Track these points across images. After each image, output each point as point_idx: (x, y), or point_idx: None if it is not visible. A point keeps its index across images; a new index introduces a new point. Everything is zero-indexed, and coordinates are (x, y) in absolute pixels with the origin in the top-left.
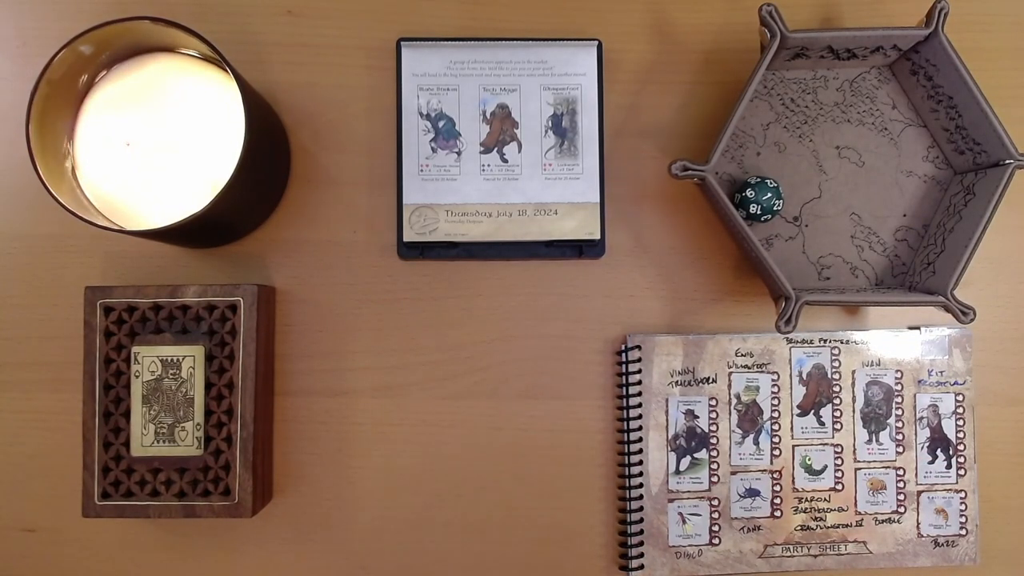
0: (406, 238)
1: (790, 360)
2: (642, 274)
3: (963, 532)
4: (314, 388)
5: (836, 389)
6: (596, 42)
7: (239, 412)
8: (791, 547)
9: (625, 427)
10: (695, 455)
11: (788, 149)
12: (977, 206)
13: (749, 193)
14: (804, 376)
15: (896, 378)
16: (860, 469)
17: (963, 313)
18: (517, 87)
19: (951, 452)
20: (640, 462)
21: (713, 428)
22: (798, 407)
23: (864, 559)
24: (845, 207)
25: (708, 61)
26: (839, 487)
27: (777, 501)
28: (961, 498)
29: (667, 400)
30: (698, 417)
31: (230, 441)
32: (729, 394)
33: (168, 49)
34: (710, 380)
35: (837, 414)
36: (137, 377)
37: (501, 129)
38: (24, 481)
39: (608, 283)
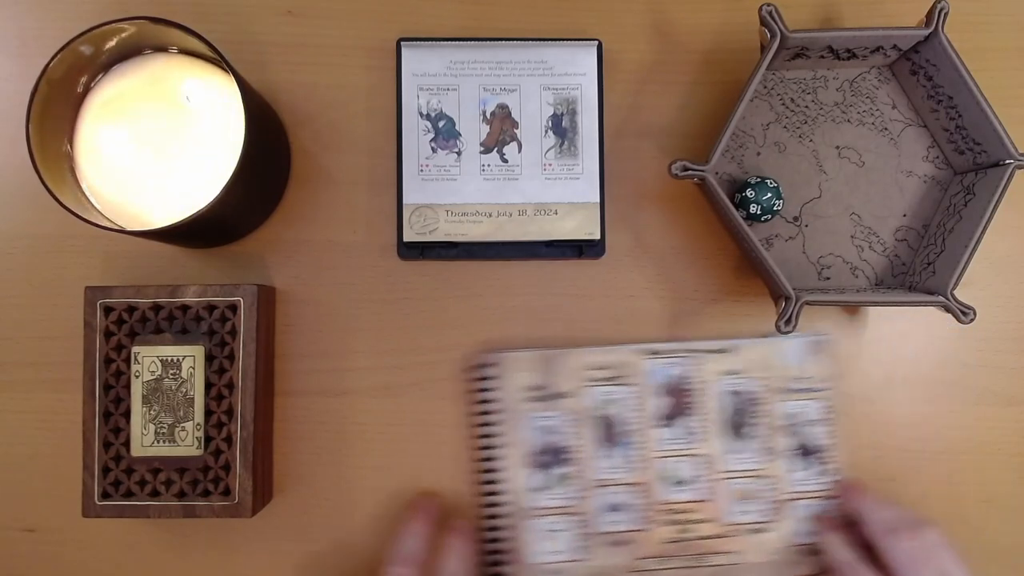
0: (406, 238)
1: (649, 372)
2: (642, 274)
3: None
4: (314, 388)
5: (698, 399)
6: (596, 42)
7: (239, 412)
8: (660, 560)
9: (483, 445)
10: (556, 471)
11: (788, 149)
12: (977, 206)
13: (749, 193)
14: (664, 387)
15: (759, 386)
16: (726, 479)
17: (963, 313)
18: (517, 87)
19: (818, 459)
20: (500, 480)
21: (573, 443)
22: (659, 419)
23: (734, 570)
24: (845, 207)
25: (708, 61)
26: (706, 498)
27: (643, 514)
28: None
29: (524, 417)
30: (557, 433)
31: (230, 441)
32: (588, 408)
33: (168, 49)
34: (567, 395)
35: (700, 424)
36: (137, 377)
37: (501, 129)
38: (24, 481)
39: (608, 283)
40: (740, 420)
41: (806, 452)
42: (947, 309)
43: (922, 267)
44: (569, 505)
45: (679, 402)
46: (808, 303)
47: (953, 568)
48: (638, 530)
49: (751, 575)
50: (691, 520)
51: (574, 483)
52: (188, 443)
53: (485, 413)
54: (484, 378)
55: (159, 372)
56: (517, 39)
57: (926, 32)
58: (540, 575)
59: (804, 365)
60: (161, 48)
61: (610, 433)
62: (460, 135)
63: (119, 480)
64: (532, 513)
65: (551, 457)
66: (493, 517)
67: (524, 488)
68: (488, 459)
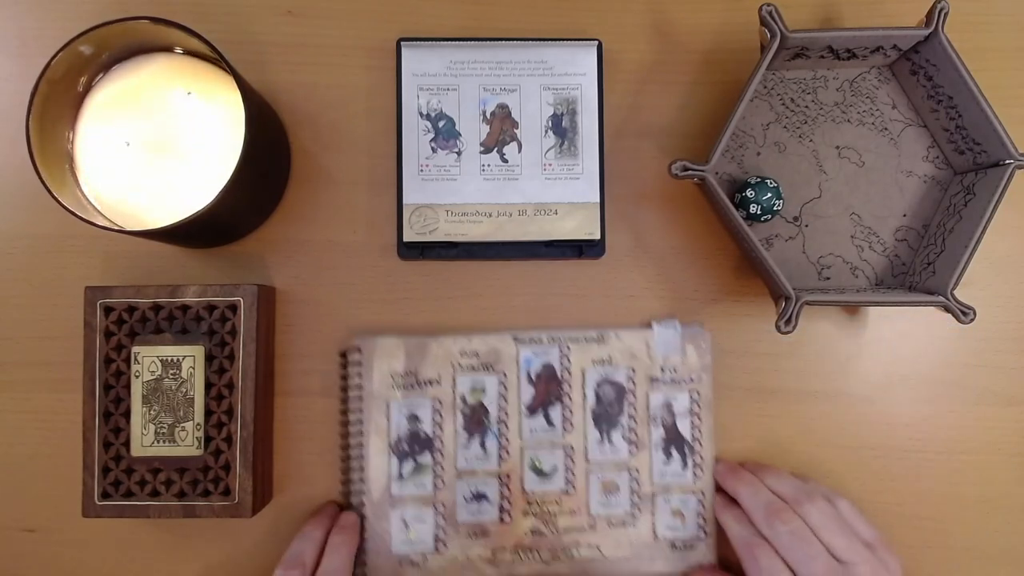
0: (406, 238)
1: (518, 359)
2: (642, 274)
3: (701, 535)
4: (314, 388)
5: (566, 388)
6: (596, 42)
7: (239, 412)
8: (521, 552)
9: (346, 432)
10: (418, 459)
11: (788, 149)
12: (977, 206)
13: (749, 193)
14: (533, 375)
15: (628, 376)
16: (592, 471)
17: (963, 313)
18: (517, 87)
19: (687, 452)
20: (360, 468)
21: (437, 431)
22: (527, 407)
23: (598, 564)
24: (845, 207)
25: (708, 61)
26: (570, 489)
27: (506, 505)
28: (698, 499)
29: (388, 404)
30: (421, 420)
31: (230, 441)
32: (454, 396)
33: (168, 49)
34: (434, 382)
35: (567, 414)
36: (137, 377)
37: (501, 129)
38: (24, 481)
39: (608, 283)
40: (609, 410)
41: (674, 444)
42: (947, 309)
43: (922, 267)
44: (431, 494)
45: (549, 390)
46: (808, 303)
47: (838, 541)
48: (500, 521)
49: (610, 569)
50: (554, 512)
51: (437, 472)
52: (188, 443)
53: (349, 400)
54: (351, 363)
55: (159, 372)
56: (517, 39)
57: (926, 32)
58: (399, 566)
59: (677, 356)
60: (161, 48)
61: (477, 421)
62: (460, 135)
63: (119, 480)
64: (393, 502)
65: (414, 445)
66: (353, 505)
67: (386, 476)
68: (351, 446)
